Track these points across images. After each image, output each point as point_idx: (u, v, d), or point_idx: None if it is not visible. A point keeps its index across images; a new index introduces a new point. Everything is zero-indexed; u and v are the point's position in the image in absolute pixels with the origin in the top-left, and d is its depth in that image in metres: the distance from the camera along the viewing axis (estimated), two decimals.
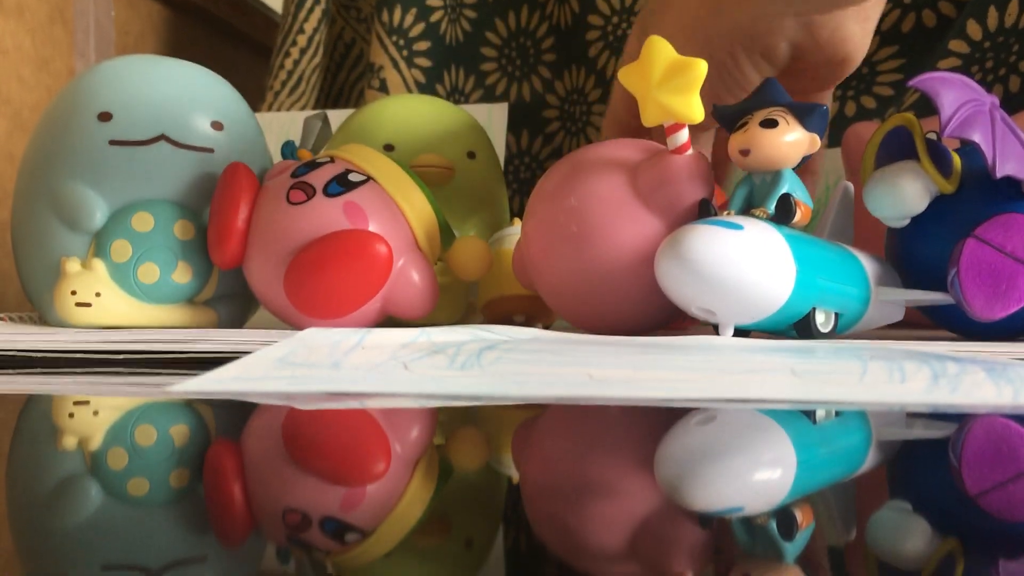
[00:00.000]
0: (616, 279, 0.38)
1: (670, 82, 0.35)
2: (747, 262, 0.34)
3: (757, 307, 0.35)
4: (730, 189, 0.49)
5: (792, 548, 0.14)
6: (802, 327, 0.36)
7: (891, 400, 0.25)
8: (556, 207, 0.40)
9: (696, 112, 0.35)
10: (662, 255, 0.35)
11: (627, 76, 0.36)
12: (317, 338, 0.33)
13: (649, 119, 0.36)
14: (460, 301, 0.47)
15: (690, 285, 0.34)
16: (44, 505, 0.16)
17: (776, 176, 0.37)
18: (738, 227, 0.34)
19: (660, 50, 0.35)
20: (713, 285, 0.34)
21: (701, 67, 0.34)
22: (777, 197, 0.37)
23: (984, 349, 0.34)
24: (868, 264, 0.39)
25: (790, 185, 0.37)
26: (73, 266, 0.42)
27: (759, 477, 0.18)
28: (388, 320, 0.43)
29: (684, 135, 0.37)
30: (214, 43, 0.95)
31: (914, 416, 0.24)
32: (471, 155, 0.51)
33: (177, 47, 0.89)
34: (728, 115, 0.39)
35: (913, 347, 0.34)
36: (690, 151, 0.38)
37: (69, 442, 0.21)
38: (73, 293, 0.41)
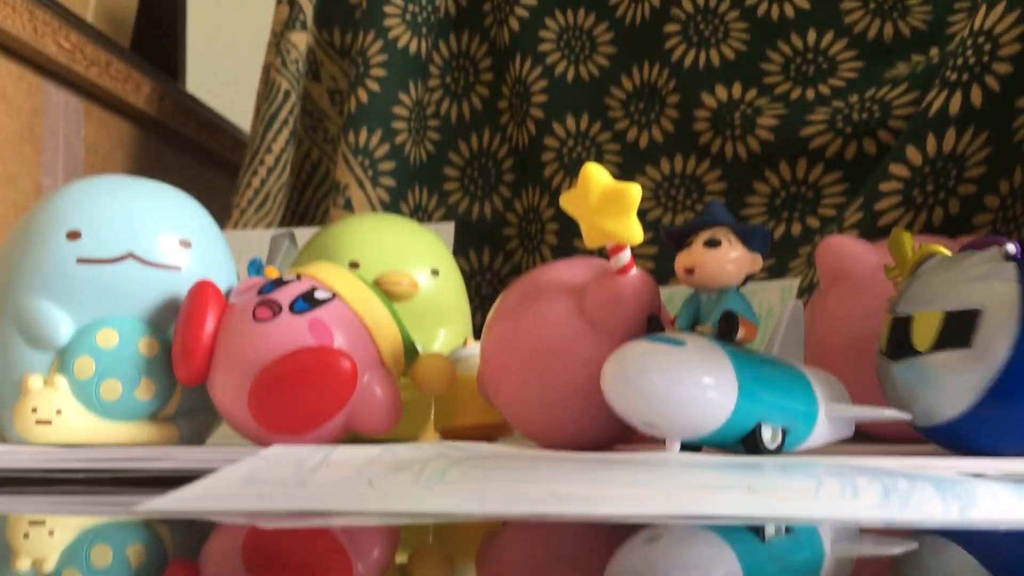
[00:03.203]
0: (571, 398, 0.39)
1: (607, 207, 0.36)
2: (687, 377, 0.35)
3: (699, 422, 0.36)
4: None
5: None
6: (748, 443, 0.37)
7: (845, 516, 0.25)
8: (510, 328, 0.41)
9: (634, 234, 0.37)
10: (606, 371, 0.36)
11: (567, 202, 0.38)
12: (282, 455, 0.33)
13: (590, 242, 0.38)
14: (424, 417, 0.48)
15: (632, 400, 0.35)
16: None
17: (721, 294, 0.39)
18: (679, 343, 0.36)
19: (595, 176, 0.37)
20: (654, 400, 0.35)
21: (635, 191, 0.36)
22: (720, 314, 0.38)
23: (929, 464, 0.35)
24: (816, 381, 0.40)
25: (734, 303, 0.39)
26: (35, 383, 0.42)
27: None
28: (352, 436, 0.43)
29: (626, 255, 0.38)
30: (182, 161, 0.97)
31: (863, 532, 0.25)
32: (435, 272, 0.52)
33: (145, 165, 0.91)
34: (674, 235, 0.40)
35: (860, 462, 0.35)
36: (634, 270, 0.39)
37: (24, 564, 0.21)
38: (34, 411, 0.41)
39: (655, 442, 0.38)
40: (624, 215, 0.36)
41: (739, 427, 0.37)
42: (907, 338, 0.39)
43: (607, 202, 0.36)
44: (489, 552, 0.23)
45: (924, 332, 0.38)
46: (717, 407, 0.35)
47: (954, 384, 0.37)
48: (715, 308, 0.39)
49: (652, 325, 0.39)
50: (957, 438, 0.39)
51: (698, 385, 0.35)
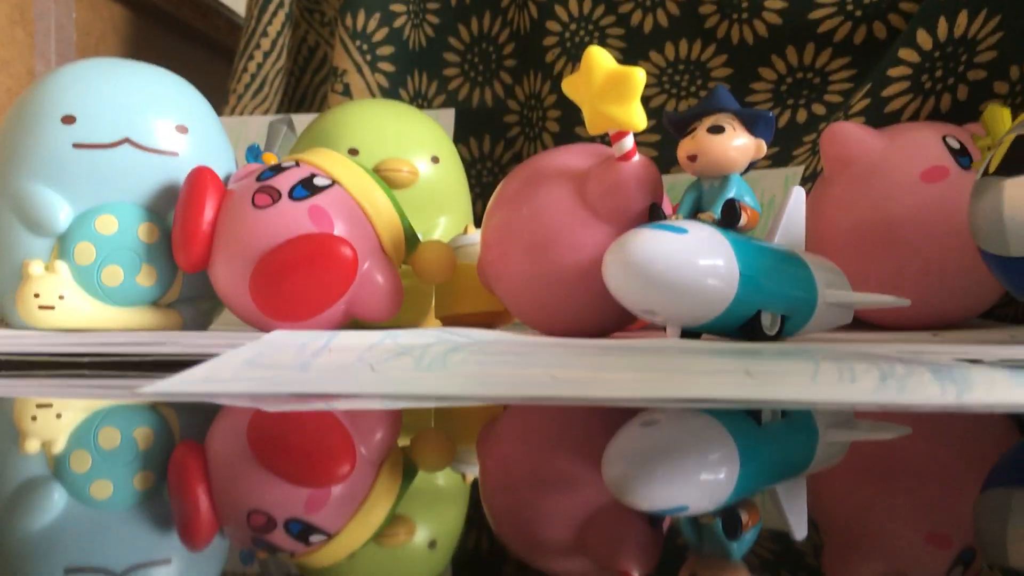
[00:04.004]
0: (570, 284, 0.39)
1: (610, 91, 0.36)
2: (689, 264, 0.35)
3: (701, 309, 0.36)
4: None
5: (738, 547, 0.14)
6: (748, 329, 0.37)
7: (842, 399, 0.26)
8: (511, 215, 0.41)
9: (637, 120, 0.36)
10: (608, 258, 0.36)
11: (570, 87, 0.37)
12: (284, 340, 0.33)
13: (593, 128, 0.37)
14: (425, 304, 0.48)
15: (634, 287, 0.35)
16: (6, 508, 0.16)
17: (724, 181, 0.38)
18: (682, 230, 0.35)
19: (598, 60, 0.36)
20: (656, 287, 0.35)
21: (639, 76, 0.35)
22: (723, 202, 0.38)
23: (926, 350, 0.35)
24: (816, 268, 0.40)
25: (737, 190, 0.38)
26: (36, 269, 0.42)
27: (704, 477, 0.19)
28: (353, 323, 0.43)
29: (629, 142, 0.38)
30: (176, 45, 0.95)
31: (859, 416, 0.25)
32: (435, 159, 0.51)
33: (138, 49, 0.89)
34: (678, 121, 0.40)
35: (858, 348, 0.35)
36: (636, 157, 0.38)
37: (32, 445, 0.22)
38: (36, 296, 0.41)
39: (655, 329, 0.38)
40: (627, 100, 0.36)
41: (740, 314, 0.37)
42: None
43: (610, 87, 0.36)
44: (490, 435, 0.23)
45: None
46: (718, 294, 0.36)
47: None
48: (718, 195, 0.38)
49: (654, 213, 0.38)
50: None
51: (700, 273, 0.35)
